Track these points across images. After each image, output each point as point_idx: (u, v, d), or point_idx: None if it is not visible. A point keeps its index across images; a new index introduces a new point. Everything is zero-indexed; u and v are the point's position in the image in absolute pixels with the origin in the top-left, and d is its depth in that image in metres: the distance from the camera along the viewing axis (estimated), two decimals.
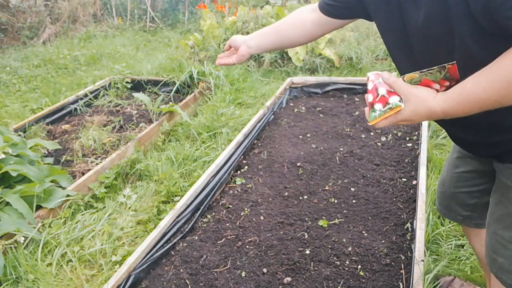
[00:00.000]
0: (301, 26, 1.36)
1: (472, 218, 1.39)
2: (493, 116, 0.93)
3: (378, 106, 1.00)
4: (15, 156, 2.52)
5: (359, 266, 1.80)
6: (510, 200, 1.07)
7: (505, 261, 1.08)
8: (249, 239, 2.02)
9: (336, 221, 2.10)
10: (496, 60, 0.84)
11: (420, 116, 0.96)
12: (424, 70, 0.97)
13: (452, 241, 1.98)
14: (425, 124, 2.76)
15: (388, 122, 0.99)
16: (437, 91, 0.96)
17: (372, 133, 2.97)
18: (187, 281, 1.80)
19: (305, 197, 2.31)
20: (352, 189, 2.35)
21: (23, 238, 2.08)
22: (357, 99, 3.60)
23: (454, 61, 0.93)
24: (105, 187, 2.58)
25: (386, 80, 1.00)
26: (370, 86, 1.04)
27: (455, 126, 1.13)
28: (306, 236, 2.01)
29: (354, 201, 2.24)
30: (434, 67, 0.95)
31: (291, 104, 3.64)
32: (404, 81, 0.99)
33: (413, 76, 0.98)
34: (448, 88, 0.95)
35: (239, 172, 2.63)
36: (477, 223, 1.39)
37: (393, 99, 0.98)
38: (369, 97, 1.03)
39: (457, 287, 1.73)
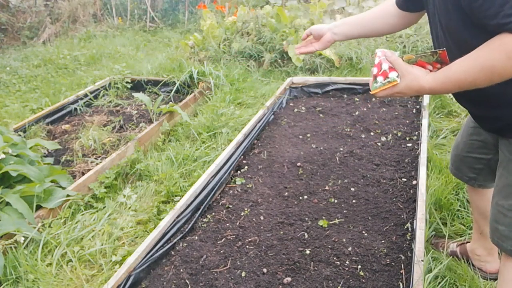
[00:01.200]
0: (384, 17, 1.50)
1: (476, 180, 1.62)
2: (492, 89, 1.06)
3: (380, 79, 1.19)
4: (15, 156, 2.52)
5: (359, 266, 1.80)
6: (510, 172, 1.22)
7: (505, 228, 1.24)
8: (249, 239, 2.02)
9: (336, 221, 2.10)
10: (477, 49, 1.01)
11: (412, 90, 1.15)
12: (420, 53, 1.18)
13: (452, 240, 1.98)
14: (425, 124, 2.76)
15: (386, 93, 1.19)
16: (430, 71, 1.15)
17: (372, 133, 2.98)
18: (187, 281, 1.80)
19: (305, 197, 2.31)
20: (352, 189, 2.35)
21: (23, 238, 2.08)
22: (357, 99, 3.60)
23: (444, 48, 1.13)
24: (105, 187, 2.58)
25: (389, 58, 1.18)
26: (376, 61, 1.22)
27: (463, 100, 1.34)
28: (306, 236, 2.01)
29: (354, 201, 2.24)
30: (428, 51, 1.15)
31: (291, 104, 3.64)
32: (403, 60, 1.17)
33: (410, 57, 1.17)
34: (439, 69, 1.13)
35: (239, 172, 2.63)
36: (480, 184, 1.63)
37: (392, 75, 1.17)
38: (374, 70, 1.22)
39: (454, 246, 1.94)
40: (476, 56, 1.01)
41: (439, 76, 1.10)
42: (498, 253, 1.80)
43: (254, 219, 2.16)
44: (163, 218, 2.12)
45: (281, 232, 2.04)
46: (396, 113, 3.27)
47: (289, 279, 1.76)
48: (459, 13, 1.06)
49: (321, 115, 3.37)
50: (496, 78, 1.00)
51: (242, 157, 2.76)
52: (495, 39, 0.97)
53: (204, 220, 2.21)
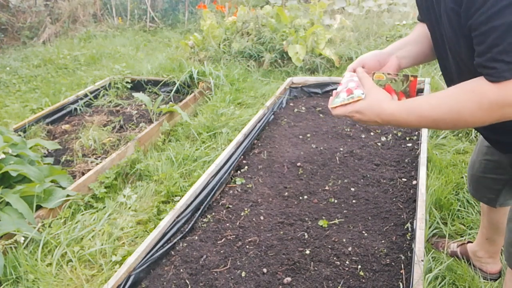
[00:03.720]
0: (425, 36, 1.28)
1: (497, 200, 1.53)
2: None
3: (342, 95, 1.10)
4: (15, 156, 2.52)
5: (359, 266, 1.80)
6: None
7: None
8: (249, 239, 2.02)
9: (336, 221, 2.10)
10: (450, 88, 0.93)
11: (371, 112, 1.03)
12: (392, 74, 1.09)
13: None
14: None
15: (345, 109, 1.08)
16: None
17: (372, 133, 2.98)
18: (187, 281, 1.80)
19: (305, 197, 2.31)
20: (352, 189, 2.35)
21: (23, 238, 2.08)
22: None
23: (417, 75, 1.07)
24: (105, 187, 2.58)
25: (358, 73, 1.10)
26: (343, 81, 1.16)
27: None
28: (306, 236, 2.01)
29: (354, 201, 2.24)
30: (401, 74, 1.08)
31: (291, 104, 3.64)
32: (373, 79, 1.09)
33: (381, 77, 1.09)
34: None
35: (239, 172, 2.63)
36: (501, 204, 1.54)
37: (357, 92, 1.07)
38: (338, 88, 1.15)
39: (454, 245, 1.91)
40: (446, 95, 0.93)
41: (404, 104, 1.01)
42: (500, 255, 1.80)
43: (254, 219, 2.16)
44: (163, 218, 2.12)
45: (281, 232, 2.04)
46: None
47: (289, 279, 1.76)
48: (467, 40, 0.94)
49: (321, 115, 3.37)
50: (461, 124, 0.93)
51: (242, 157, 2.76)
52: (471, 83, 0.89)
53: (204, 220, 2.21)
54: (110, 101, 3.89)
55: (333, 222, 2.09)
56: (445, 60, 1.11)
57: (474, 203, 2.20)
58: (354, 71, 1.19)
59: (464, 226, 2.08)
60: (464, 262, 1.84)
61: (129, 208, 2.42)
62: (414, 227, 1.92)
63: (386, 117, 1.02)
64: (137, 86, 4.19)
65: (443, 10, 0.96)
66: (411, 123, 1.00)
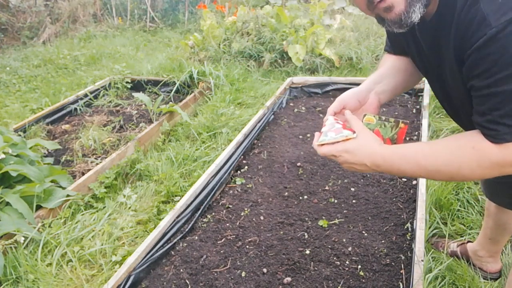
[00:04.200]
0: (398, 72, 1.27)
1: None
2: None
3: (331, 134, 1.03)
4: (15, 156, 2.52)
5: (359, 266, 1.80)
6: None
7: None
8: (249, 239, 2.02)
9: (336, 221, 2.10)
10: (446, 140, 0.93)
11: (362, 153, 0.99)
12: (383, 117, 1.06)
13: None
14: (425, 124, 2.76)
15: (334, 147, 1.01)
16: None
17: None
18: (187, 281, 1.80)
19: (305, 197, 2.31)
20: (352, 189, 2.35)
21: (23, 238, 2.08)
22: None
23: (407, 122, 1.04)
24: (105, 187, 2.58)
25: (347, 115, 1.07)
26: (327, 123, 1.10)
27: None
28: (306, 236, 2.01)
29: (354, 201, 2.24)
30: (391, 119, 1.05)
31: (291, 104, 3.64)
32: (363, 121, 1.07)
33: (371, 120, 1.07)
34: None
35: (239, 172, 2.63)
36: None
37: (347, 132, 1.02)
38: (323, 129, 1.08)
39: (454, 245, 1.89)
40: (444, 147, 0.92)
41: (398, 149, 0.97)
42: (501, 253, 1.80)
43: (254, 219, 2.16)
44: (163, 218, 2.12)
45: (281, 232, 2.04)
46: (396, 113, 3.27)
47: (289, 279, 1.76)
48: (467, 91, 0.93)
49: (321, 115, 3.37)
50: (458, 178, 0.93)
51: (242, 157, 2.76)
52: (471, 138, 0.89)
53: (204, 220, 2.21)
54: (110, 101, 3.89)
55: (333, 222, 2.09)
56: (436, 88, 1.11)
57: (474, 203, 2.20)
58: (335, 113, 1.16)
59: (464, 226, 2.08)
60: (464, 262, 1.84)
61: (129, 208, 2.42)
62: (414, 227, 1.92)
63: (377, 161, 0.97)
64: (137, 86, 4.19)
65: (447, 62, 0.95)
66: (404, 171, 0.97)
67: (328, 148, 1.02)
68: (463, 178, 0.92)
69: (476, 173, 0.89)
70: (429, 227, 2.00)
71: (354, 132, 1.01)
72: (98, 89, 4.10)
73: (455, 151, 0.90)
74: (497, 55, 0.79)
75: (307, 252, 1.90)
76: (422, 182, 2.13)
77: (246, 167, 2.66)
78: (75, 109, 3.80)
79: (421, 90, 3.38)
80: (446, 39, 0.92)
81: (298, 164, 2.62)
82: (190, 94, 3.87)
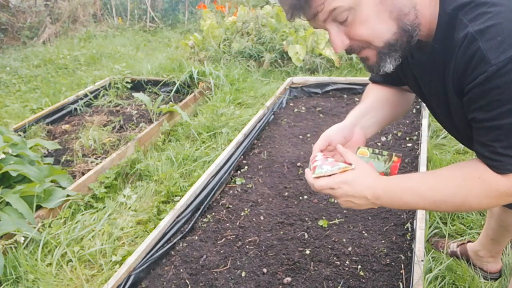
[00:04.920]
0: (386, 104, 1.24)
1: None
2: None
3: (326, 167, 1.00)
4: (15, 156, 2.52)
5: (359, 266, 1.80)
6: None
7: None
8: (249, 239, 2.02)
9: (336, 221, 2.10)
10: (450, 170, 0.93)
11: (363, 184, 0.96)
12: (376, 151, 1.04)
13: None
14: (425, 124, 2.76)
15: (331, 180, 0.97)
16: None
17: None
18: (187, 281, 1.80)
19: (305, 197, 2.31)
20: None
21: (23, 238, 2.08)
22: (357, 99, 3.59)
23: (401, 155, 1.02)
24: (105, 187, 2.58)
25: (339, 149, 1.04)
26: (317, 158, 1.05)
27: None
28: (306, 236, 2.01)
29: None
30: (385, 152, 1.03)
31: (291, 104, 3.64)
32: (356, 154, 1.05)
33: (364, 153, 1.05)
34: None
35: (239, 172, 2.63)
36: None
37: (343, 164, 0.99)
38: (315, 164, 1.04)
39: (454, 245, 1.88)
40: (448, 178, 0.92)
41: (400, 180, 0.96)
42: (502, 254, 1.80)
43: (254, 219, 2.16)
44: (163, 218, 2.12)
45: (281, 232, 2.04)
46: None
47: (289, 279, 1.76)
48: (460, 110, 0.93)
49: (321, 115, 3.37)
50: (465, 208, 0.92)
51: (242, 157, 2.76)
52: (475, 169, 0.89)
53: (204, 220, 2.21)
54: (110, 101, 3.89)
55: (333, 222, 2.09)
56: (438, 113, 1.10)
57: None
58: (322, 151, 1.11)
59: (464, 226, 2.08)
60: (464, 262, 1.84)
61: (129, 208, 2.42)
62: (414, 227, 1.92)
63: (378, 192, 0.95)
64: (137, 86, 4.19)
65: (448, 93, 0.94)
66: (406, 202, 0.95)
67: (326, 181, 0.98)
68: (470, 208, 0.92)
69: (482, 203, 0.90)
70: (429, 227, 2.00)
71: (350, 164, 0.99)
72: (98, 89, 4.10)
73: (461, 182, 0.90)
74: (499, 90, 0.79)
75: (307, 252, 1.90)
76: None
77: (246, 167, 2.66)
78: (75, 109, 3.80)
79: None
80: (446, 72, 0.91)
81: (298, 164, 2.62)
82: (190, 94, 3.87)
